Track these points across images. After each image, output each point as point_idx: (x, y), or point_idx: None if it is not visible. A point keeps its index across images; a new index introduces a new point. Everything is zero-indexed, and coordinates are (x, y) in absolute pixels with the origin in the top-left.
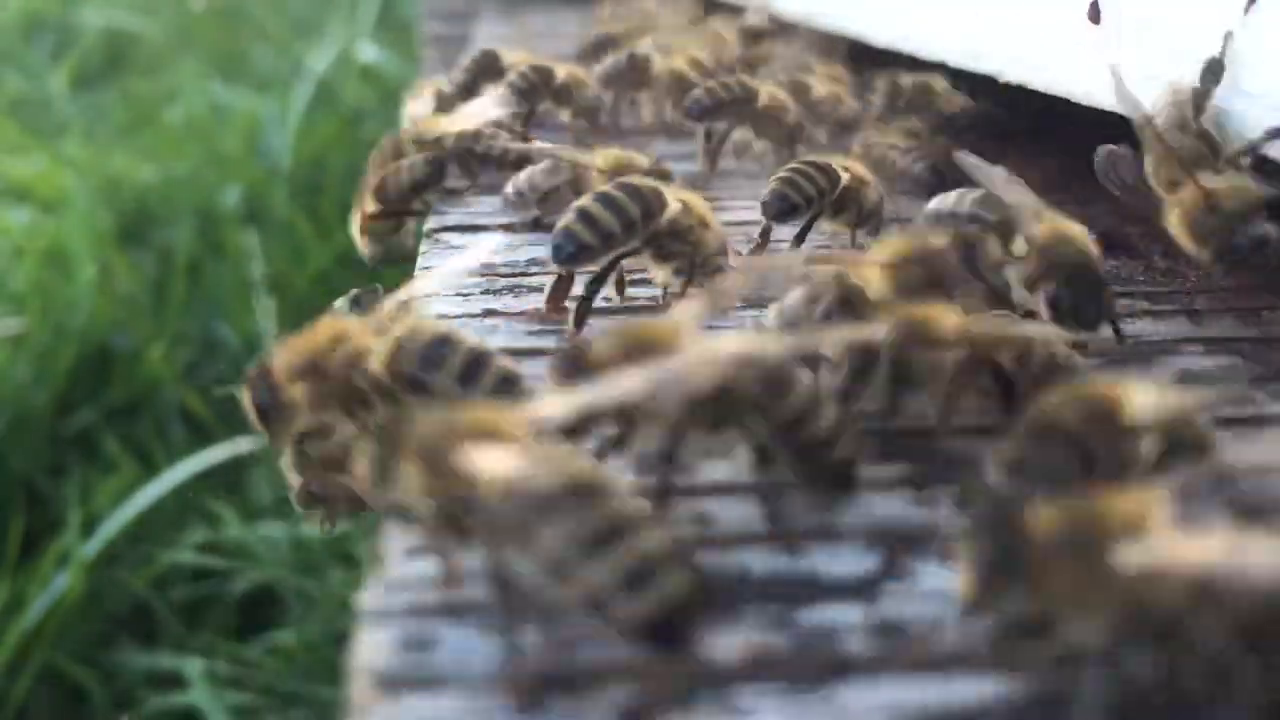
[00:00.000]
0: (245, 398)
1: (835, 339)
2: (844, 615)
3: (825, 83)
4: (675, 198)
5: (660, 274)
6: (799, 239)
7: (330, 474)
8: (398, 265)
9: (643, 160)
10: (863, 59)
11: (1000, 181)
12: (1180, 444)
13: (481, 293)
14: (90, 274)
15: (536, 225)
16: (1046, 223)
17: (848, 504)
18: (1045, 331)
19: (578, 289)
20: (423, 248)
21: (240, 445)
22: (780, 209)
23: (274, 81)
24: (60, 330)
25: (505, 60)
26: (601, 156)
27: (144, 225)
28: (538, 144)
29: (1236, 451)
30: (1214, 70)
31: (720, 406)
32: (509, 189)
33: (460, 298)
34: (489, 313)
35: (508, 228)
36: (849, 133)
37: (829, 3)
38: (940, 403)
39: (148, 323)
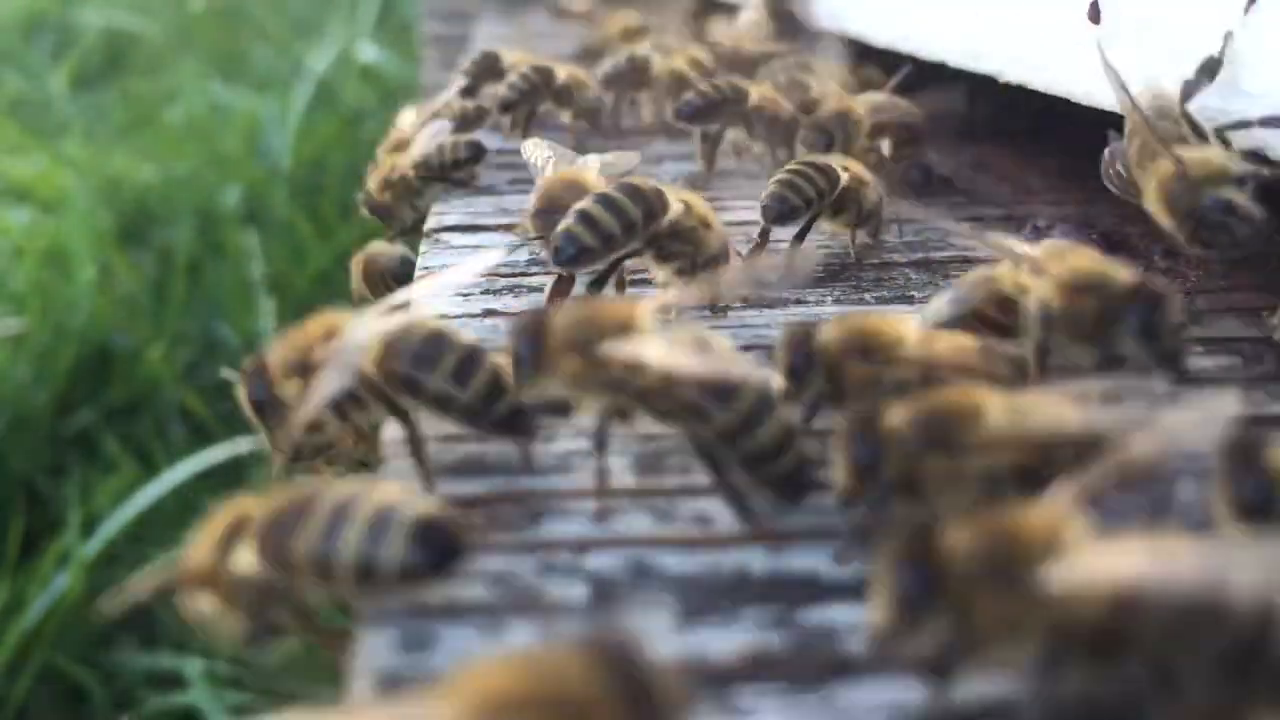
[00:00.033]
0: (240, 392)
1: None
2: (844, 615)
3: (824, 82)
4: (677, 198)
5: (661, 274)
6: (798, 239)
7: (317, 464)
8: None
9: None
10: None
11: None
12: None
13: (481, 293)
14: (90, 274)
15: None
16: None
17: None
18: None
19: (578, 290)
20: (423, 248)
21: (240, 445)
22: (780, 211)
23: (274, 81)
24: (60, 330)
25: (505, 61)
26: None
27: (144, 225)
28: None
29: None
30: (1210, 67)
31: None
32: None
33: (460, 297)
34: (489, 313)
35: (508, 228)
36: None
37: (829, 2)
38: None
39: (148, 323)
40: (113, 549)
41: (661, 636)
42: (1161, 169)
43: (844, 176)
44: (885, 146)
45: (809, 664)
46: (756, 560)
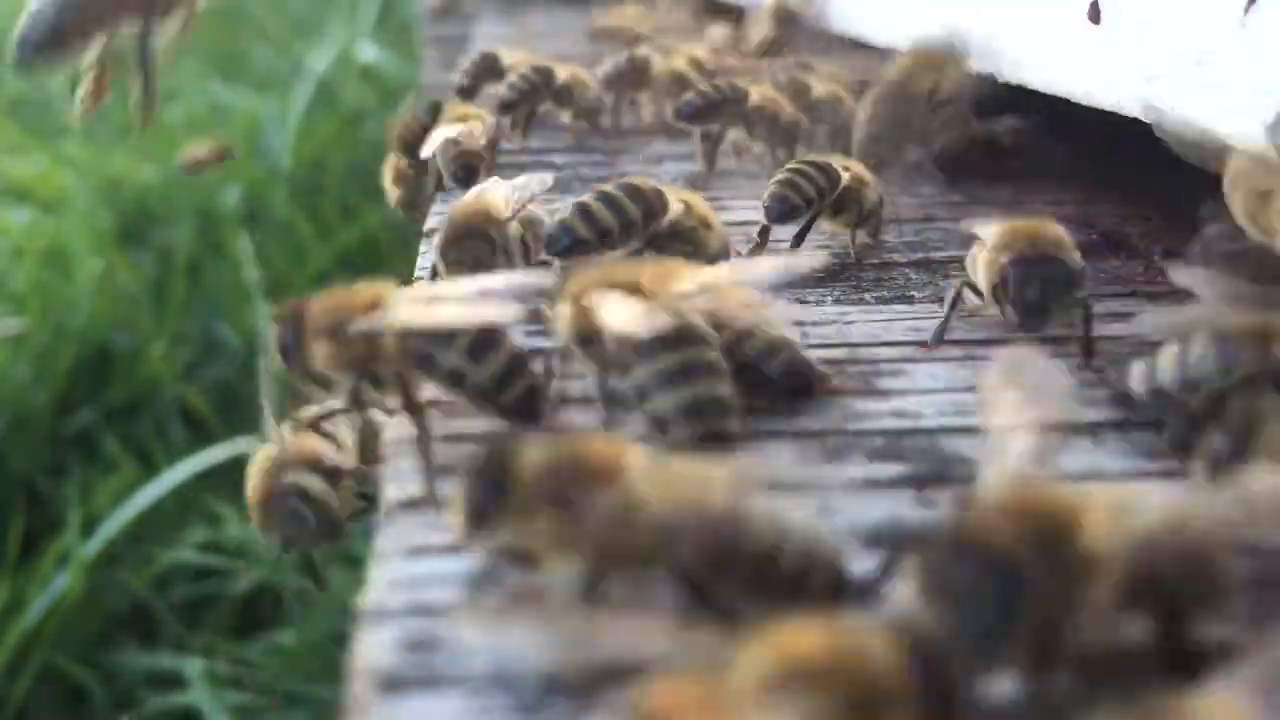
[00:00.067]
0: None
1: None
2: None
3: (825, 83)
4: (677, 198)
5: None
6: (798, 239)
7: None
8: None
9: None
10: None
11: None
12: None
13: None
14: (90, 274)
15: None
16: None
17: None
18: None
19: None
20: (422, 248)
21: (240, 445)
22: (780, 211)
23: (274, 81)
24: (60, 330)
25: (505, 61)
26: None
27: (144, 225)
28: None
29: None
30: None
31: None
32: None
33: None
34: None
35: None
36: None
37: (828, 2)
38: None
39: (148, 323)
40: (113, 549)
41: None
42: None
43: (845, 176)
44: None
45: None
46: None
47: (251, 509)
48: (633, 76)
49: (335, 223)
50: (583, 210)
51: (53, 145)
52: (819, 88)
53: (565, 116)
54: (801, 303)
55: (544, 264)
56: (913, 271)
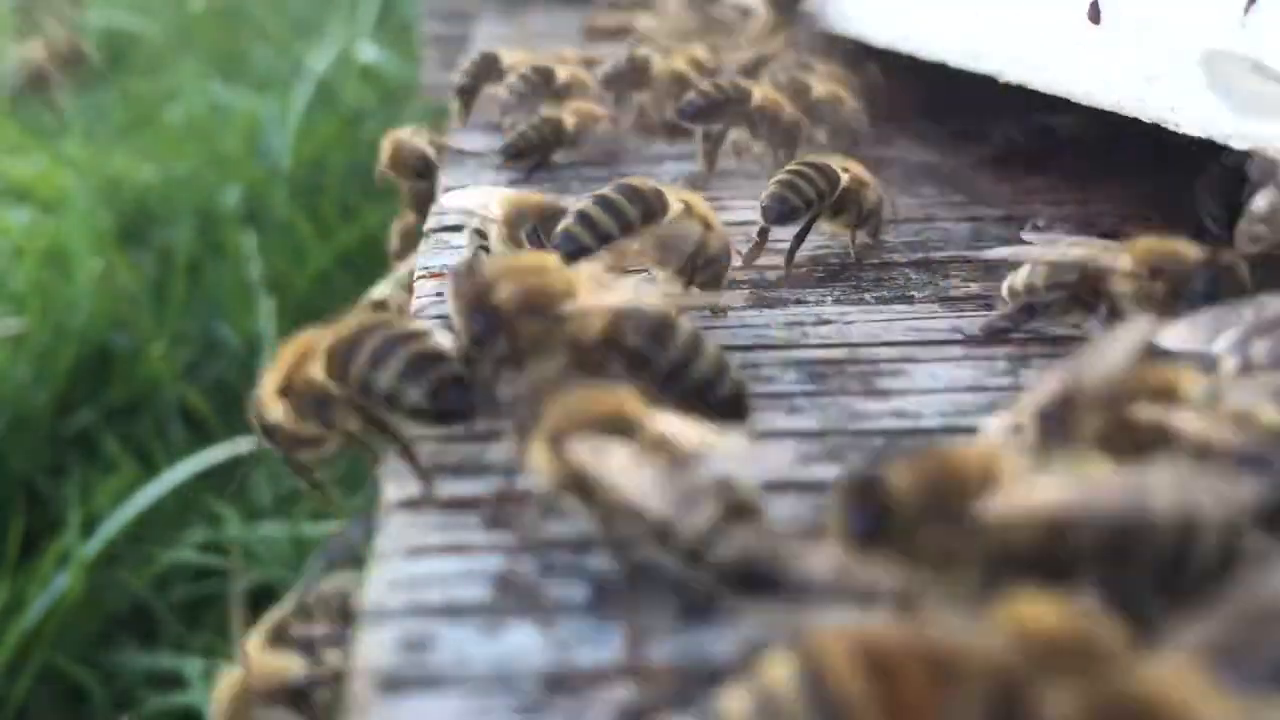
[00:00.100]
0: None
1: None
2: (843, 616)
3: (825, 82)
4: (677, 199)
5: (662, 274)
6: (798, 239)
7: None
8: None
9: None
10: None
11: None
12: None
13: None
14: (90, 274)
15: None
16: None
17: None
18: None
19: None
20: (421, 247)
21: (240, 445)
22: (780, 212)
23: (274, 81)
24: (60, 330)
25: (505, 61)
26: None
27: (144, 225)
28: None
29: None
30: None
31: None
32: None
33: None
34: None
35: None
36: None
37: (829, 2)
38: None
39: (148, 323)
40: (113, 549)
41: (661, 636)
42: None
43: (844, 177)
44: None
45: None
46: None
47: None
48: (633, 76)
49: (335, 223)
50: (583, 217)
51: (53, 145)
52: (819, 88)
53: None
54: (801, 303)
55: None
56: (913, 271)
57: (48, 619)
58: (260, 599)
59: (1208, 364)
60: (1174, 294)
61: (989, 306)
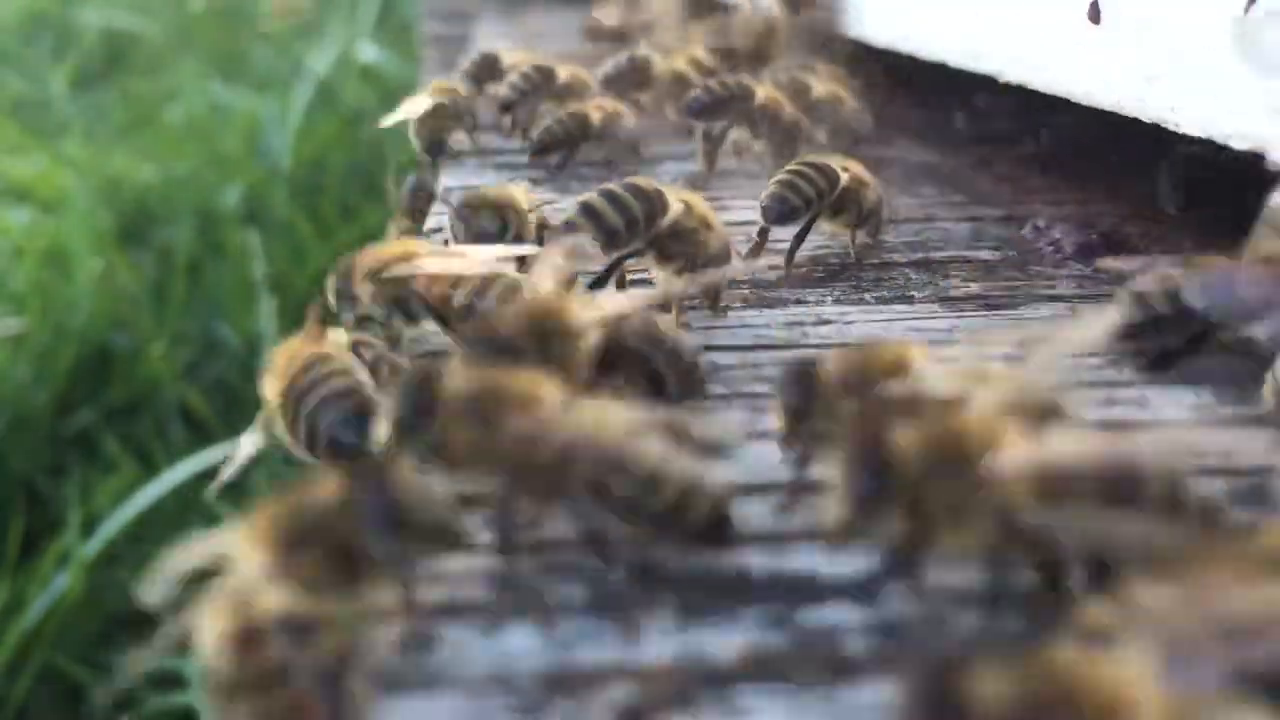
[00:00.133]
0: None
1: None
2: (844, 615)
3: (825, 82)
4: (677, 199)
5: (662, 274)
6: (798, 239)
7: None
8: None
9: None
10: None
11: None
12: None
13: None
14: (90, 274)
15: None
16: None
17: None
18: None
19: (578, 290)
20: None
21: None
22: (780, 212)
23: (274, 81)
24: (60, 330)
25: (505, 61)
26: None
27: (144, 225)
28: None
29: None
30: None
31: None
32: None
33: None
34: None
35: None
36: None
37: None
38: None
39: (148, 323)
40: (113, 549)
41: (662, 636)
42: None
43: (844, 177)
44: None
45: (809, 664)
46: (756, 560)
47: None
48: (633, 76)
49: (335, 223)
50: (587, 208)
51: (53, 145)
52: (819, 88)
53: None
54: (801, 303)
55: None
56: (913, 271)
57: (48, 619)
58: None
59: None
60: None
61: (989, 306)
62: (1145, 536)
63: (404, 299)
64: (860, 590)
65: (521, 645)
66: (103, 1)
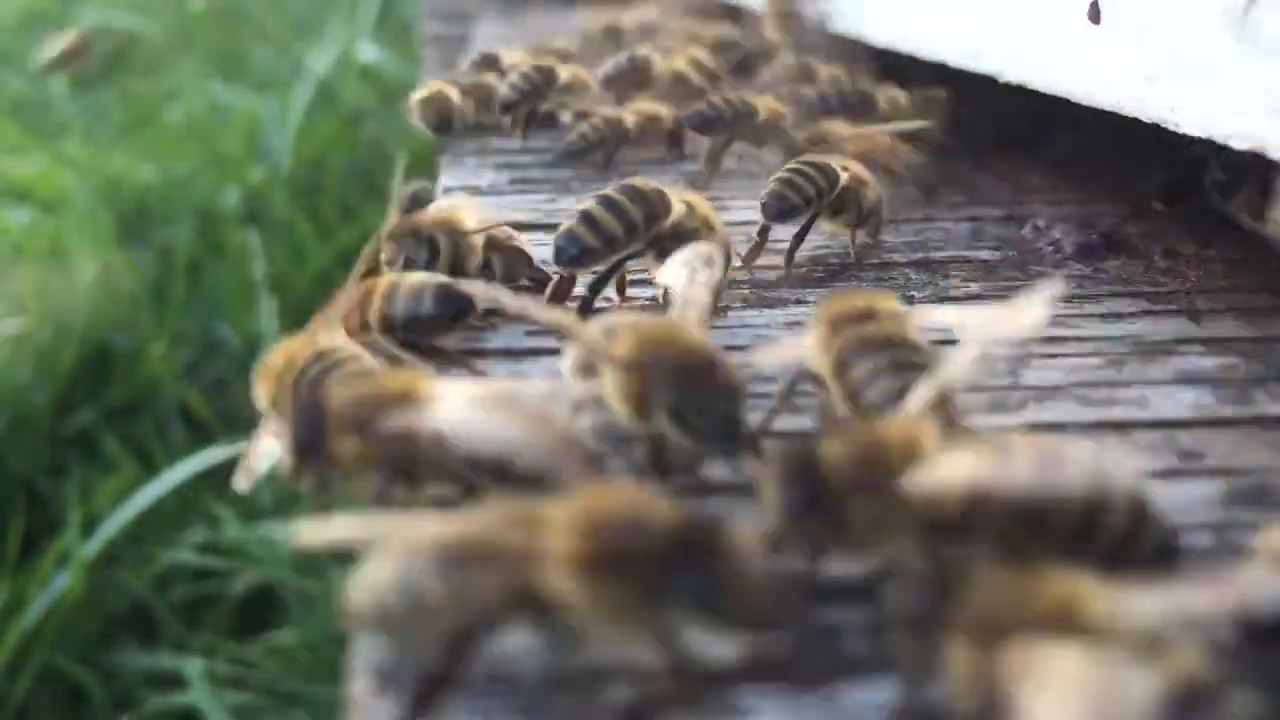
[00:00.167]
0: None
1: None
2: (844, 615)
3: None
4: (679, 199)
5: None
6: (798, 239)
7: None
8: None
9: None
10: None
11: None
12: None
13: None
14: (90, 274)
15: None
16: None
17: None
18: None
19: (579, 290)
20: None
21: (240, 445)
22: (779, 210)
23: (274, 81)
24: (60, 330)
25: (505, 61)
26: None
27: (144, 225)
28: None
29: None
30: None
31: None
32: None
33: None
34: (489, 313)
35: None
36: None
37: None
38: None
39: (148, 323)
40: (113, 549)
41: None
42: None
43: (843, 176)
44: None
45: (809, 664)
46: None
47: None
48: (633, 76)
49: (335, 223)
50: (587, 218)
51: (53, 145)
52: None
53: (566, 116)
54: (801, 303)
55: (525, 286)
56: (913, 271)
57: (48, 619)
58: (260, 599)
59: None
60: None
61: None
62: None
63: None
64: (861, 590)
65: (521, 645)
66: (103, 1)
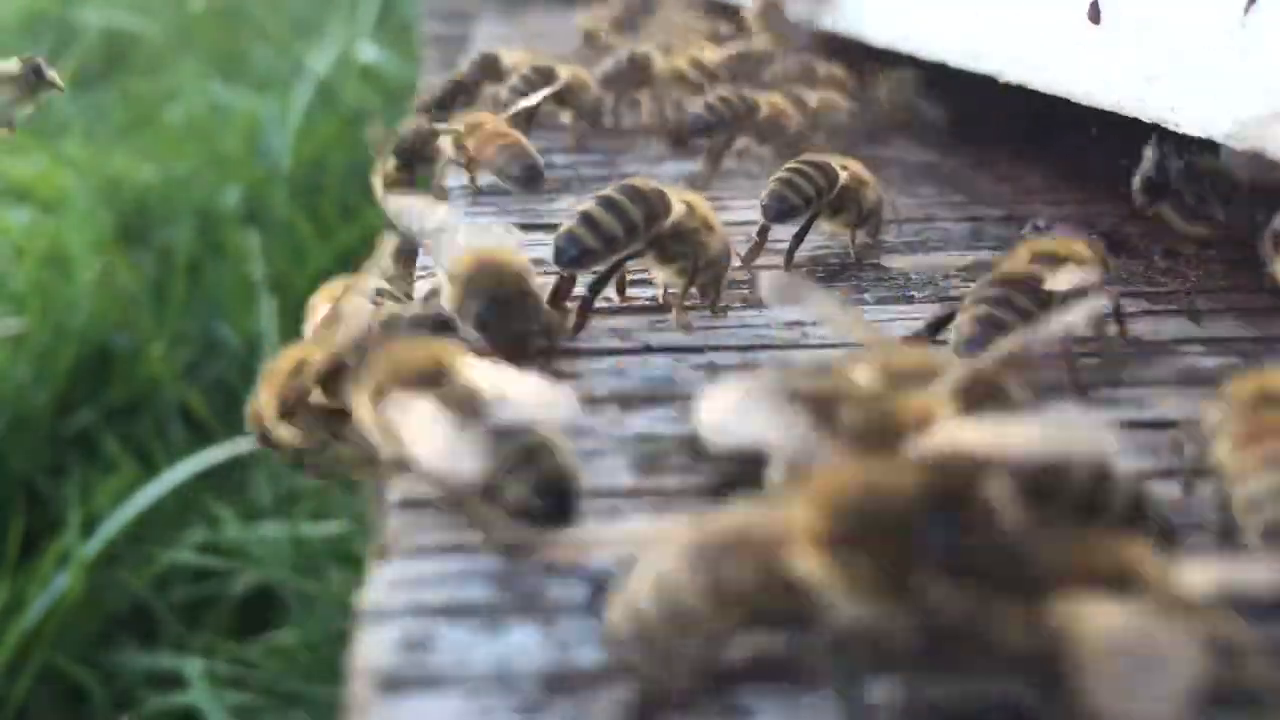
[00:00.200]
0: None
1: None
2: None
3: (822, 88)
4: (679, 200)
5: (662, 275)
6: (798, 239)
7: None
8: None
9: None
10: None
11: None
12: None
13: None
14: (90, 274)
15: None
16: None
17: None
18: None
19: (579, 290)
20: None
21: (240, 445)
22: (779, 210)
23: (274, 81)
24: (60, 330)
25: (506, 61)
26: None
27: (144, 225)
28: None
29: None
30: None
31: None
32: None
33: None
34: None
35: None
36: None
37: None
38: None
39: (148, 323)
40: (113, 549)
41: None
42: None
43: (843, 175)
44: None
45: (809, 664)
46: None
47: None
48: (633, 76)
49: (335, 223)
50: (586, 218)
51: (53, 145)
52: (814, 97)
53: (565, 116)
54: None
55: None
56: (913, 271)
57: (48, 619)
58: (260, 599)
59: None
60: None
61: None
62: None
63: None
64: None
65: (521, 645)
66: (103, 1)
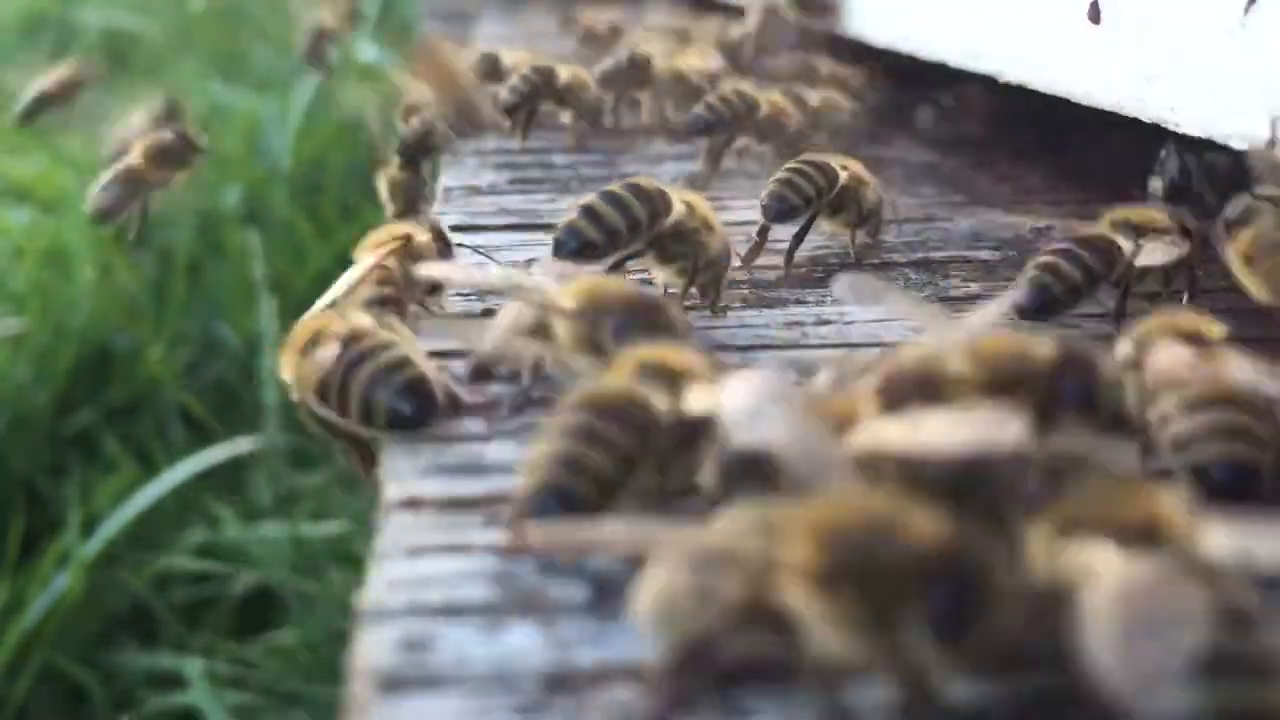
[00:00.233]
0: None
1: None
2: None
3: (823, 87)
4: (680, 199)
5: (662, 275)
6: (798, 238)
7: None
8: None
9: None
10: None
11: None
12: None
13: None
14: (90, 274)
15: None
16: None
17: None
18: None
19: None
20: None
21: (240, 445)
22: (779, 210)
23: (274, 81)
24: (60, 330)
25: (506, 61)
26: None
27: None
28: None
29: None
30: None
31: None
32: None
33: (459, 296)
34: (488, 313)
35: (510, 228)
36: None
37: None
38: None
39: (148, 323)
40: (113, 549)
41: None
42: None
43: (843, 175)
44: None
45: (809, 665)
46: None
47: None
48: (632, 75)
49: (335, 223)
50: (589, 211)
51: (53, 145)
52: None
53: (566, 117)
54: (801, 303)
55: None
56: (913, 271)
57: (48, 619)
58: (260, 599)
59: None
60: None
61: None
62: None
63: None
64: None
65: (521, 645)
66: (103, 1)
